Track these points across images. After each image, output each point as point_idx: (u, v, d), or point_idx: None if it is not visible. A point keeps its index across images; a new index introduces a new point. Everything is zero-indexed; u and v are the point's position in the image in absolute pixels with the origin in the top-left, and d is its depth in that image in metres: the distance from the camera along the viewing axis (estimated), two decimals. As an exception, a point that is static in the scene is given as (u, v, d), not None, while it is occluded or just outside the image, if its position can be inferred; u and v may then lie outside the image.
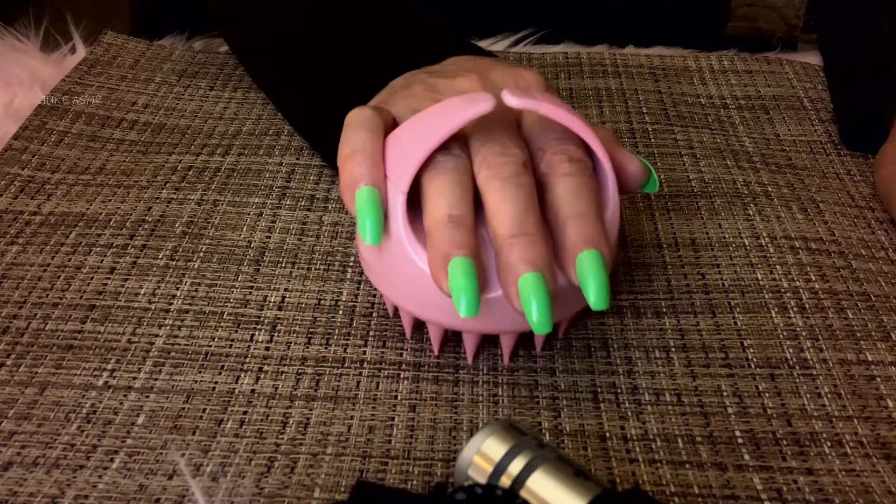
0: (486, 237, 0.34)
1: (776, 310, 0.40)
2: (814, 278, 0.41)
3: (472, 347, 0.37)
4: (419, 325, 0.38)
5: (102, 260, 0.42)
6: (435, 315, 0.35)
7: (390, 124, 0.36)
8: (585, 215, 0.33)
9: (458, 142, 0.35)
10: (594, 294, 0.32)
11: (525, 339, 0.37)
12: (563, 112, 0.34)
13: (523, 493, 0.28)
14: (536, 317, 0.32)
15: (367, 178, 0.34)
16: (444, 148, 0.34)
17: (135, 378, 0.37)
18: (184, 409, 0.35)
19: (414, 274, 0.34)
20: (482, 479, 0.29)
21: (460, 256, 0.32)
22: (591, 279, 0.32)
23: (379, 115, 0.36)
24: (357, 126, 0.36)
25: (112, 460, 0.33)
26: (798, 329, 0.39)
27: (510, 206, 0.33)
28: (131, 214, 0.45)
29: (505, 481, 0.28)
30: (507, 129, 0.35)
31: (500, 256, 0.33)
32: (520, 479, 0.28)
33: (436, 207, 0.33)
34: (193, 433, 0.34)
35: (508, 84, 0.37)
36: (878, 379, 0.37)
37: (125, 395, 0.36)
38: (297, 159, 0.49)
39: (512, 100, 0.33)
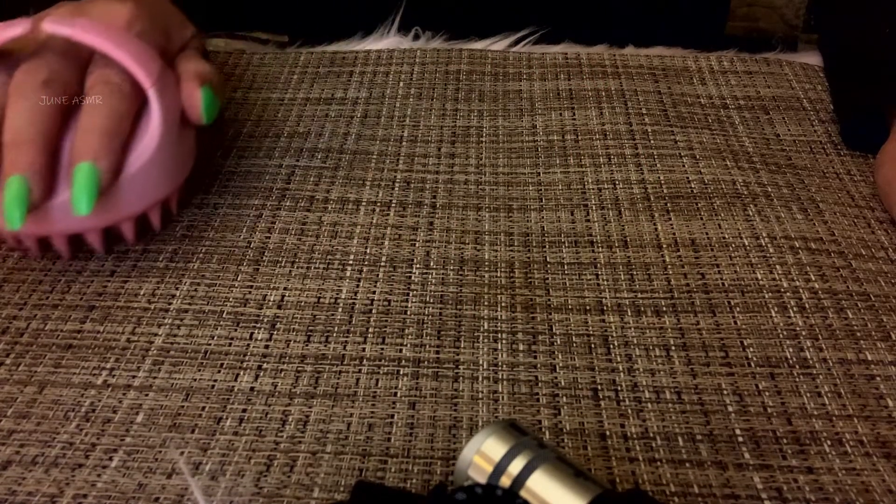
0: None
1: (776, 309, 0.40)
2: (814, 278, 0.41)
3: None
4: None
5: (103, 264, 0.42)
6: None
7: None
8: (91, 130, 0.38)
9: (7, 65, 0.39)
10: (74, 200, 0.37)
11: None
12: (101, 40, 0.39)
13: (523, 493, 0.28)
14: (7, 214, 0.36)
15: None
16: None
17: (134, 376, 0.36)
18: (183, 407, 0.35)
19: None
20: (482, 479, 0.29)
21: None
22: (75, 186, 0.37)
23: None
24: None
25: (111, 459, 0.33)
26: (798, 328, 0.39)
27: (14, 117, 0.37)
28: (131, 214, 0.45)
29: (505, 481, 0.28)
30: (57, 55, 0.40)
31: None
32: (520, 479, 0.28)
33: None
34: (192, 431, 0.34)
35: (96, 17, 0.40)
36: (878, 378, 0.37)
37: (124, 394, 0.36)
38: (297, 161, 0.49)
39: (48, 26, 0.38)
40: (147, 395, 0.36)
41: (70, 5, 0.42)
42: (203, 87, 0.42)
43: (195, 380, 0.36)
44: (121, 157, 0.39)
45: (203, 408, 0.35)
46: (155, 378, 0.36)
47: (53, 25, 0.38)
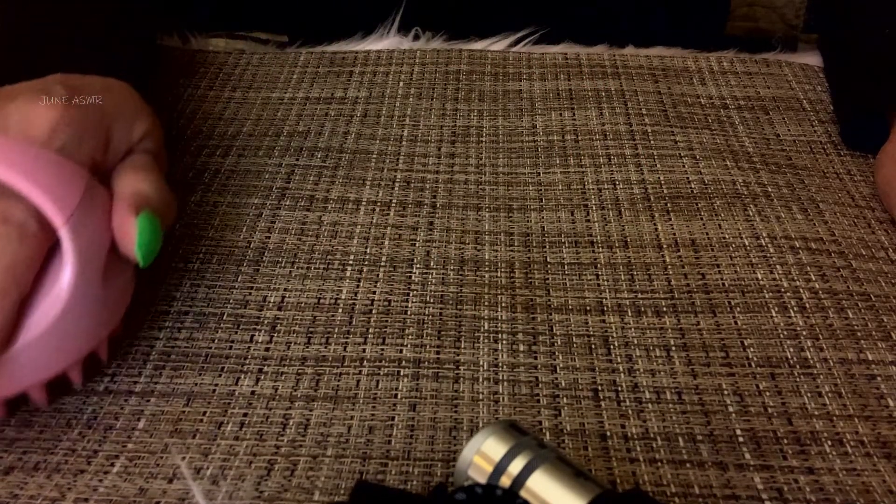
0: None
1: (776, 309, 0.40)
2: (814, 278, 0.41)
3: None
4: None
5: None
6: None
7: None
8: None
9: None
10: None
11: None
12: (1, 166, 0.32)
13: (523, 494, 0.28)
14: None
15: None
16: None
17: (135, 382, 0.36)
18: (184, 412, 0.35)
19: None
20: (482, 479, 0.29)
21: None
22: None
23: None
24: None
25: (112, 465, 0.33)
26: (798, 328, 0.39)
27: None
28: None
29: (505, 481, 0.28)
30: None
31: None
32: (520, 480, 0.28)
33: None
34: (194, 436, 0.34)
35: (12, 125, 0.34)
36: (879, 378, 0.37)
37: (126, 400, 0.36)
38: (297, 160, 0.49)
39: None
40: (149, 400, 0.36)
41: (19, 88, 0.35)
42: (140, 217, 0.34)
43: (196, 384, 0.36)
44: (15, 319, 0.31)
45: (204, 412, 0.35)
46: (156, 383, 0.36)
47: None
